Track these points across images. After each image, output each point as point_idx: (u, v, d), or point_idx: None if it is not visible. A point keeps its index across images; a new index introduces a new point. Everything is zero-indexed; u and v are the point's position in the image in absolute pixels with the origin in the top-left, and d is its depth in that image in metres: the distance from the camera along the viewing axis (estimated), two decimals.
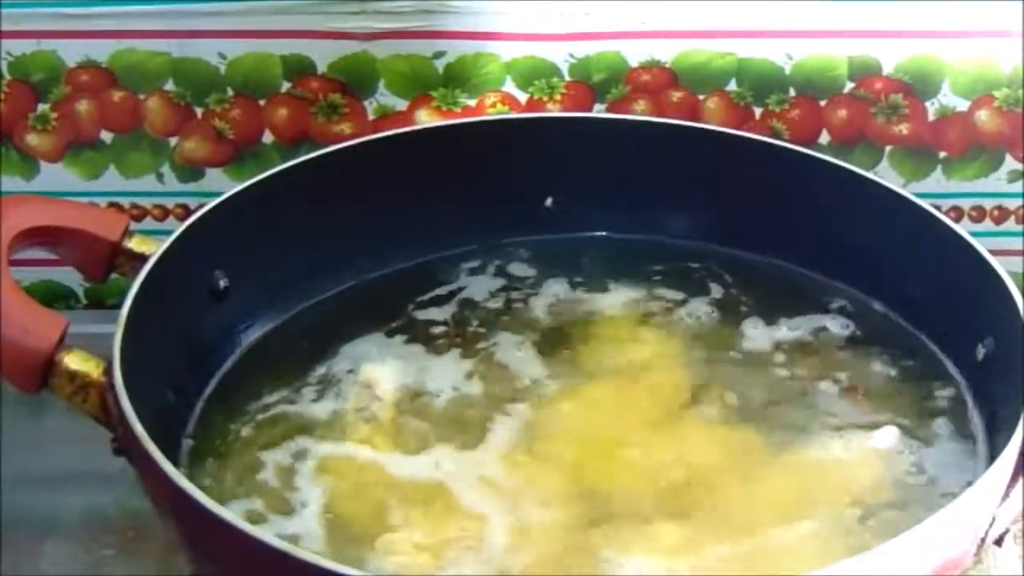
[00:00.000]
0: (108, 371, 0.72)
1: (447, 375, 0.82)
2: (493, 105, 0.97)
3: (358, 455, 0.77)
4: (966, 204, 0.99)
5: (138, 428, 0.68)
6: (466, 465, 0.76)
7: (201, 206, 0.83)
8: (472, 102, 0.97)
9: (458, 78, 0.96)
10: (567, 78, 0.97)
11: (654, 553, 0.70)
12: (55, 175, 0.99)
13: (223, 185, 0.97)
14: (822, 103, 0.97)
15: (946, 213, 0.83)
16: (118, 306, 0.75)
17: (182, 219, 0.94)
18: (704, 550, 0.71)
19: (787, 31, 0.95)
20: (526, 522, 0.72)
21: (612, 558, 0.70)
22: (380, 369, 0.81)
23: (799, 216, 0.87)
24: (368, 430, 0.78)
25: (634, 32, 0.95)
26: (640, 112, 0.97)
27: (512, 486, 0.74)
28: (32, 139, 0.99)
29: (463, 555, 0.70)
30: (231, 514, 0.65)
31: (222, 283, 0.83)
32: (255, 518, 0.73)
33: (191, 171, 1.00)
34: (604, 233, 0.91)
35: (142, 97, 0.97)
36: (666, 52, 0.96)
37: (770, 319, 0.85)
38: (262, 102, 0.98)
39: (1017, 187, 0.98)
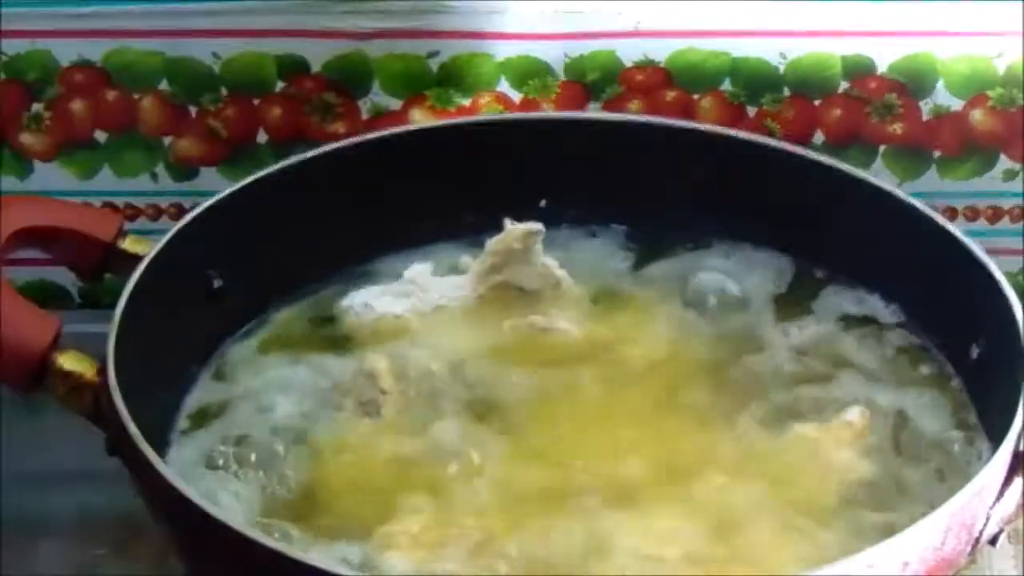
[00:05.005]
0: (102, 371, 0.72)
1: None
2: (487, 105, 0.97)
3: (358, 449, 0.77)
4: (960, 204, 0.99)
5: (132, 429, 0.68)
6: (464, 460, 0.76)
7: (195, 206, 0.83)
8: (466, 102, 0.97)
9: (452, 78, 0.96)
10: (561, 78, 0.97)
11: (654, 548, 0.71)
12: (49, 175, 0.99)
13: (217, 185, 0.97)
14: (816, 102, 0.97)
15: (940, 213, 0.83)
16: (112, 306, 0.75)
17: (176, 219, 0.93)
18: (696, 539, 0.71)
19: (781, 31, 0.95)
20: (522, 515, 0.72)
21: (608, 550, 0.70)
22: (382, 361, 0.81)
23: (793, 215, 0.87)
24: (368, 422, 0.78)
25: (628, 32, 0.95)
26: (634, 112, 0.97)
27: (507, 481, 0.74)
28: (26, 138, 0.99)
29: (460, 551, 0.70)
30: (225, 514, 0.65)
31: (216, 283, 0.83)
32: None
33: (185, 171, 1.00)
34: (597, 233, 0.91)
35: (136, 97, 0.97)
36: (660, 52, 0.96)
37: (766, 316, 0.85)
38: (256, 101, 0.97)
39: (1011, 187, 0.98)
